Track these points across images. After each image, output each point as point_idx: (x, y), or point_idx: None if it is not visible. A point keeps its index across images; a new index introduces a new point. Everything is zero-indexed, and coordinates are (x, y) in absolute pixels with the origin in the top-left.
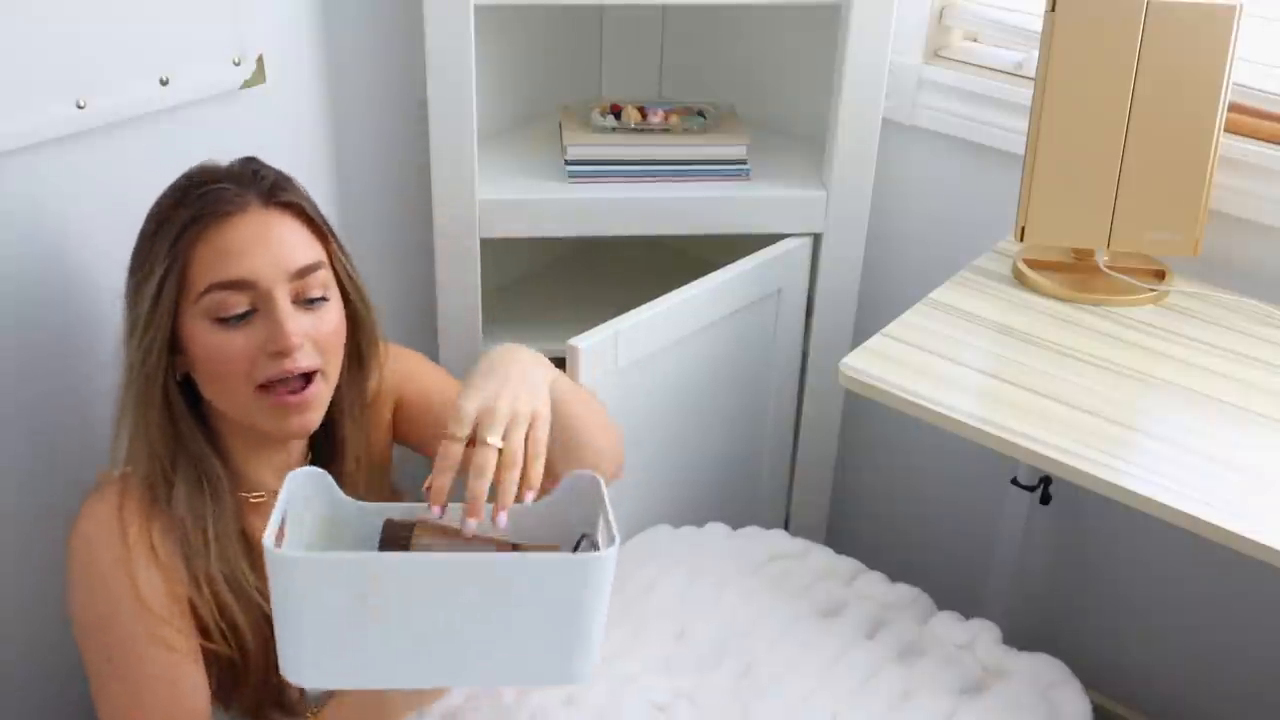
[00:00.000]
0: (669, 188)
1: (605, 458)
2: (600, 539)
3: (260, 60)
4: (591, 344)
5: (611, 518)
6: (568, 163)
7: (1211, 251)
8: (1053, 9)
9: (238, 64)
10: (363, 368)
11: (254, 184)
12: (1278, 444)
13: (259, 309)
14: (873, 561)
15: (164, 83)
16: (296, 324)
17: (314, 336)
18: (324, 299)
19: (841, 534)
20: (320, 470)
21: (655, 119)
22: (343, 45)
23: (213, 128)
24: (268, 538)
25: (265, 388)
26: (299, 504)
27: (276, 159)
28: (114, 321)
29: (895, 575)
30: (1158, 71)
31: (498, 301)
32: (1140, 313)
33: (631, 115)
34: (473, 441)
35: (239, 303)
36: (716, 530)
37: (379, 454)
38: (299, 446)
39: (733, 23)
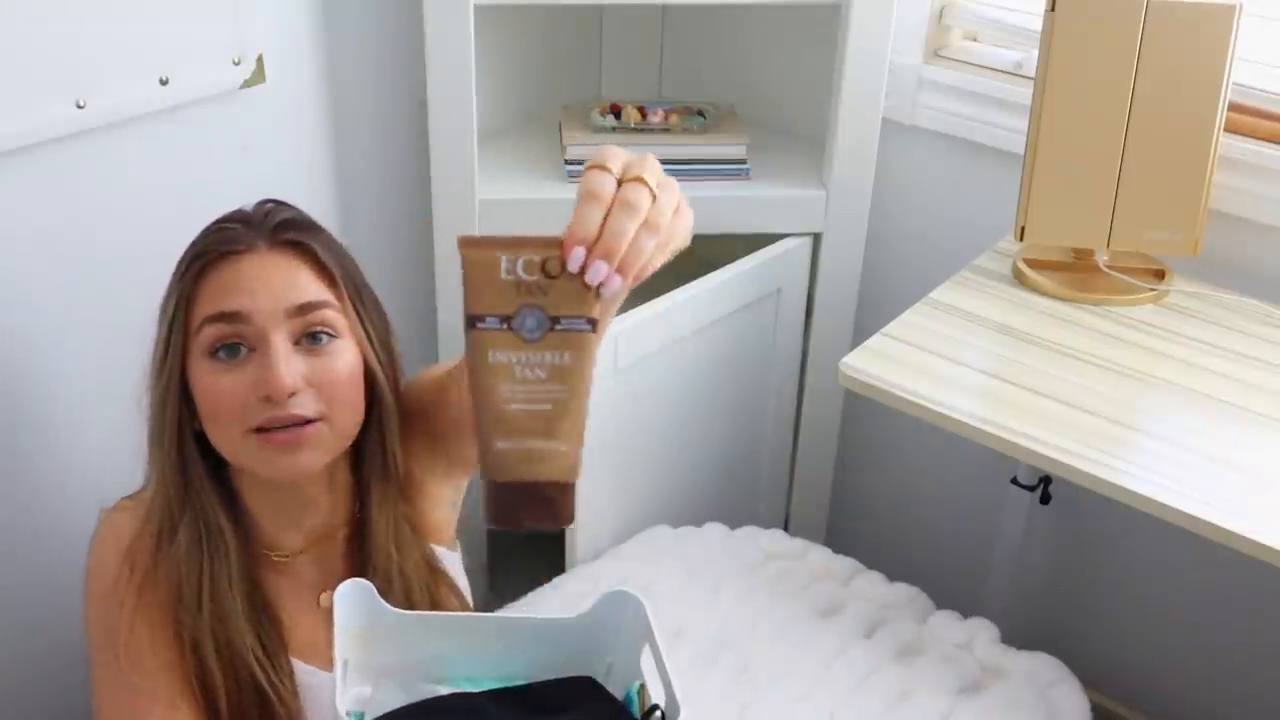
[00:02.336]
0: None
1: None
2: (662, 704)
3: (260, 60)
4: None
5: (673, 680)
6: (568, 163)
7: (1211, 251)
8: (1053, 9)
9: (237, 64)
10: (381, 427)
11: (263, 223)
12: (1278, 444)
13: (255, 349)
14: (872, 561)
15: (164, 83)
16: (291, 366)
17: (316, 381)
18: (332, 338)
19: (841, 534)
20: (363, 582)
21: (655, 119)
22: (343, 45)
23: (212, 128)
24: (339, 705)
25: (259, 430)
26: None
27: (277, 159)
28: (116, 321)
29: (895, 575)
30: (1158, 71)
31: None
32: (1140, 312)
33: (631, 115)
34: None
35: (232, 336)
36: (714, 530)
37: (425, 521)
38: (325, 506)
39: (733, 23)
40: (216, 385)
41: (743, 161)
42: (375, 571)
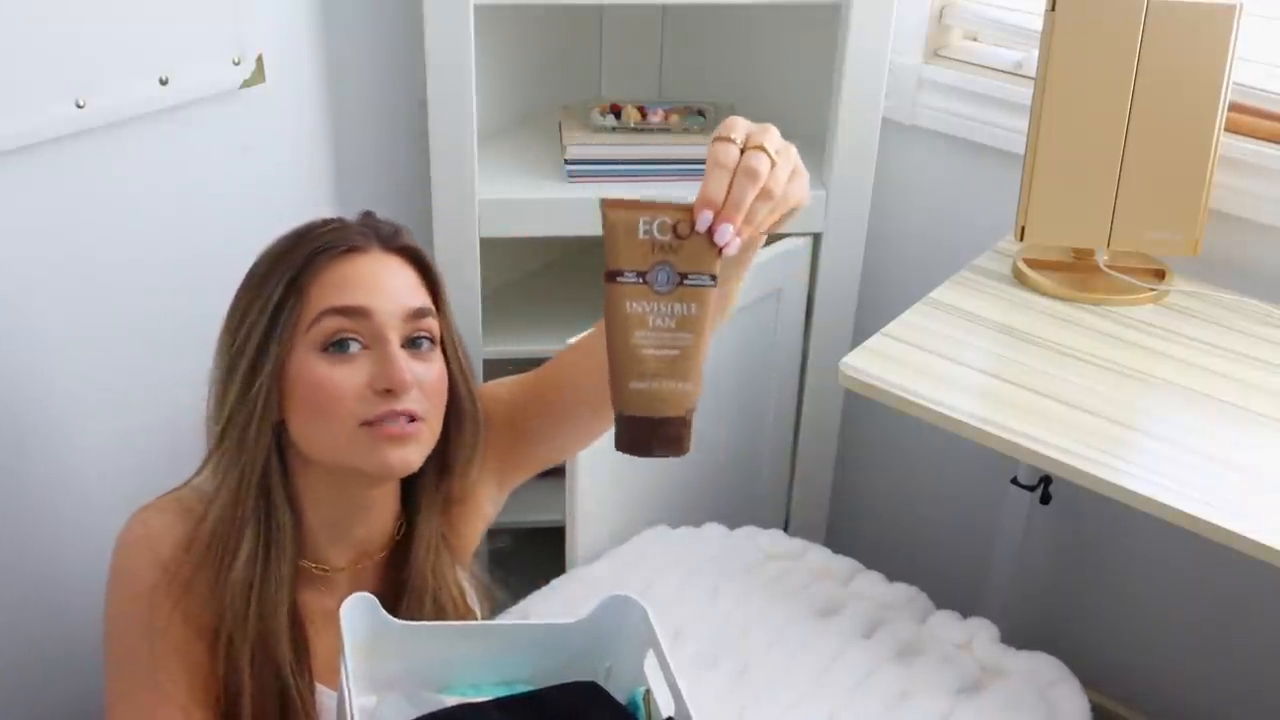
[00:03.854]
0: (669, 187)
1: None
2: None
3: (260, 60)
4: None
5: (684, 695)
6: (567, 162)
7: (1211, 251)
8: (1053, 9)
9: (237, 64)
10: (449, 446)
11: (375, 229)
12: (1278, 444)
13: (370, 346)
14: (873, 561)
15: (164, 82)
16: (408, 364)
17: (420, 383)
18: (431, 345)
19: (841, 534)
20: (367, 595)
21: (655, 119)
22: (343, 45)
23: (212, 127)
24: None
25: (368, 423)
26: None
27: (277, 159)
28: (116, 320)
29: (895, 575)
30: (1158, 71)
31: (498, 301)
32: (1140, 312)
33: (631, 115)
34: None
35: (351, 330)
36: (713, 531)
37: (462, 544)
38: (376, 522)
39: (733, 23)
40: (331, 377)
41: None
42: (411, 592)
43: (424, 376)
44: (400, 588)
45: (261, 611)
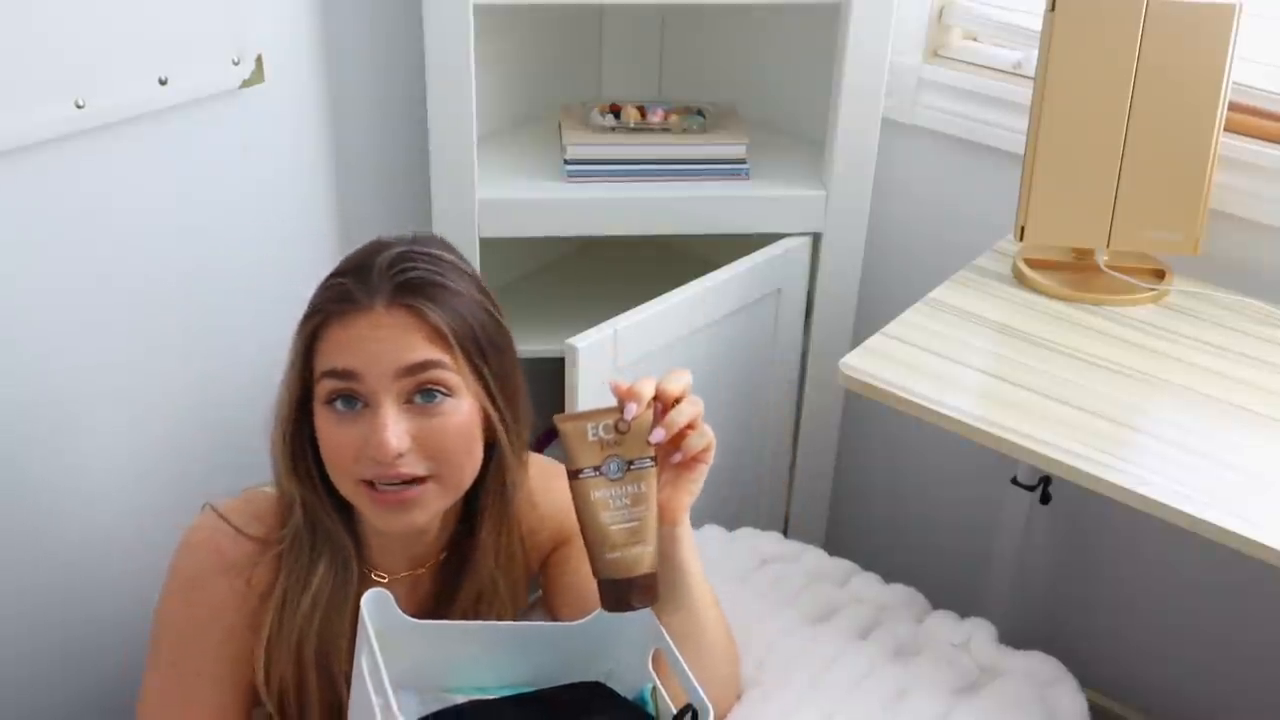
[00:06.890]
0: (668, 187)
1: (728, 689)
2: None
3: (259, 60)
4: (590, 344)
5: (697, 685)
6: (567, 162)
7: (1212, 251)
8: (1053, 9)
9: (237, 64)
10: (501, 471)
11: (385, 278)
12: (1278, 444)
13: (369, 405)
14: (872, 562)
15: (163, 82)
16: (398, 429)
17: (424, 440)
18: (445, 396)
19: (841, 534)
20: (383, 591)
21: (655, 118)
22: (342, 45)
23: (212, 127)
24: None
25: (368, 483)
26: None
27: (276, 159)
28: (116, 321)
29: (894, 575)
30: (1158, 71)
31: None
32: (1140, 312)
33: (631, 115)
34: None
35: (347, 390)
36: (712, 533)
37: (525, 568)
38: (432, 538)
39: (733, 23)
40: (333, 435)
41: (743, 161)
42: (461, 597)
43: (431, 432)
44: (455, 590)
45: (326, 623)
